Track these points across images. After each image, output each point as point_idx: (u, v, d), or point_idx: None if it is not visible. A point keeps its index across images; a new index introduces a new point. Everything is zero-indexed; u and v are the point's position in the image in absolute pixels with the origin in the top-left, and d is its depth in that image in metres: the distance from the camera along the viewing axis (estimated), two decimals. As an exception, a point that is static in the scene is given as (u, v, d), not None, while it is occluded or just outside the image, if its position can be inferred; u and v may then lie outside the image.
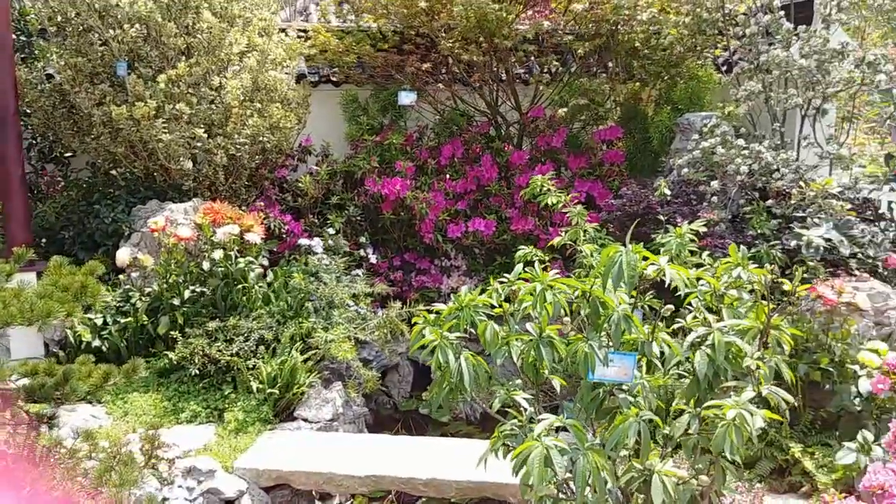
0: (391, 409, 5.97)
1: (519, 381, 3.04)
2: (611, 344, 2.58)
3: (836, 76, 5.61)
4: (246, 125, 6.13)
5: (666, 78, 6.61)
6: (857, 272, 4.97)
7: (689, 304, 2.94)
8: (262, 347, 4.98)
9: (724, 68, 7.03)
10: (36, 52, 6.45)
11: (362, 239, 6.39)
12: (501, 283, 3.04)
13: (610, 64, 6.64)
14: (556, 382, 2.83)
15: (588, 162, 6.76)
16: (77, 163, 6.71)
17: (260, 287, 5.44)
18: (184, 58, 5.97)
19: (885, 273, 4.93)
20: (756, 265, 3.04)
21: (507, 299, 2.99)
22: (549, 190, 4.80)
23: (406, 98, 6.71)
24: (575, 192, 6.09)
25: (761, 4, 5.63)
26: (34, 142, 6.61)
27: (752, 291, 3.06)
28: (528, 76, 7.13)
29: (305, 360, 4.98)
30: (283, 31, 6.87)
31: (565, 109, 6.50)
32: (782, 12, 5.73)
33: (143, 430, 3.58)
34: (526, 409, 2.85)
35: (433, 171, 6.75)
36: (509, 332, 2.85)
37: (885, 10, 5.89)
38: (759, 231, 5.13)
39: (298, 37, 7.01)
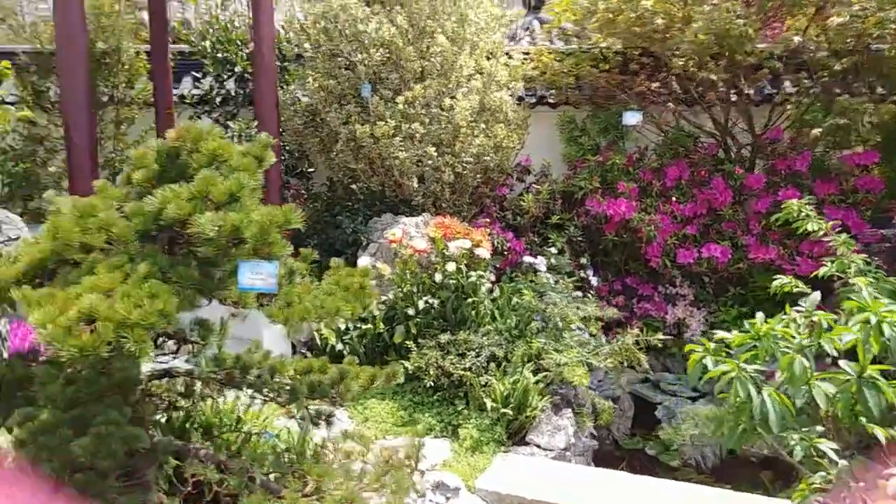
0: (611, 446, 5.72)
1: (820, 428, 2.73)
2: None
3: None
4: (472, 144, 6.26)
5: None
6: None
7: None
8: (493, 364, 4.98)
9: None
10: (287, 76, 7.05)
11: (583, 260, 6.25)
12: (798, 311, 2.77)
13: (870, 81, 6.00)
14: (880, 433, 2.49)
15: (838, 188, 6.14)
16: (317, 178, 7.22)
17: (489, 303, 5.47)
18: (418, 80, 6.23)
19: None
20: None
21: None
22: (807, 216, 4.41)
23: (632, 118, 6.52)
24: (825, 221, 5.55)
25: None
26: (282, 157, 7.20)
27: None
28: (763, 95, 6.67)
29: (536, 382, 4.91)
30: (507, 54, 6.99)
31: (819, 130, 5.94)
32: None
33: (403, 438, 3.66)
34: (836, 462, 2.54)
35: (657, 194, 6.47)
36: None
37: None
38: None
39: (520, 59, 7.09)
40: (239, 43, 7.00)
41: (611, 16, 6.33)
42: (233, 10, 7.08)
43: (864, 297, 3.28)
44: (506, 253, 6.24)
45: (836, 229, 4.35)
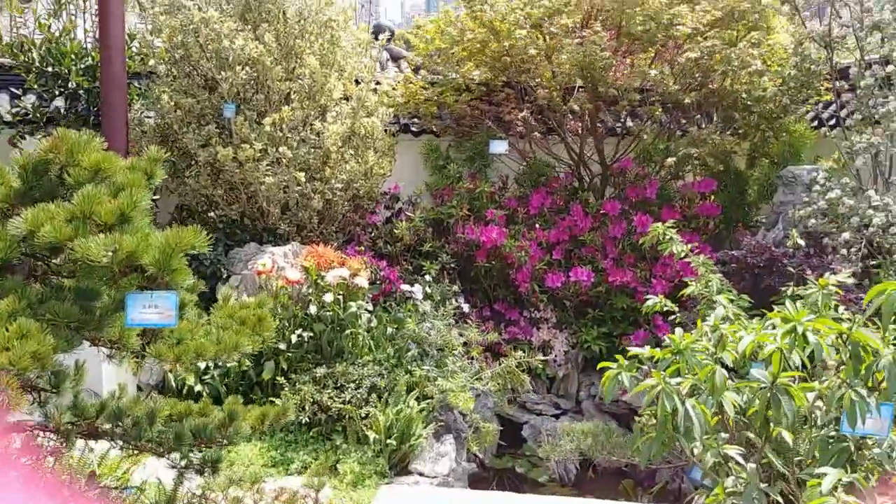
0: (479, 467, 5.72)
1: (725, 434, 2.85)
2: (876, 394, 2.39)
3: None
4: (343, 170, 6.08)
5: (764, 130, 6.56)
6: None
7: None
8: (374, 395, 4.79)
9: (830, 122, 6.96)
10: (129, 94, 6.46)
11: (455, 287, 6.24)
12: (709, 325, 2.89)
13: (711, 113, 6.60)
14: (787, 436, 2.63)
15: (682, 214, 6.65)
16: (164, 205, 6.64)
17: (367, 333, 5.28)
18: (285, 102, 5.97)
19: None
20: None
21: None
22: (671, 238, 4.71)
23: (499, 147, 6.67)
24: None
25: (879, 56, 5.59)
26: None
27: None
28: (612, 127, 7.13)
29: (420, 411, 4.78)
30: (376, 81, 6.91)
31: (672, 159, 6.40)
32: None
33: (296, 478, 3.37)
34: (744, 467, 2.65)
35: (522, 221, 6.65)
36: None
37: None
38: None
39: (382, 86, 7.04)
40: (74, 56, 6.31)
41: (479, 45, 6.46)
42: (67, 18, 6.37)
43: (721, 313, 3.54)
44: (380, 282, 6.08)
45: (696, 252, 4.70)
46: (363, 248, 6.27)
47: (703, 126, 6.52)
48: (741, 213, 6.78)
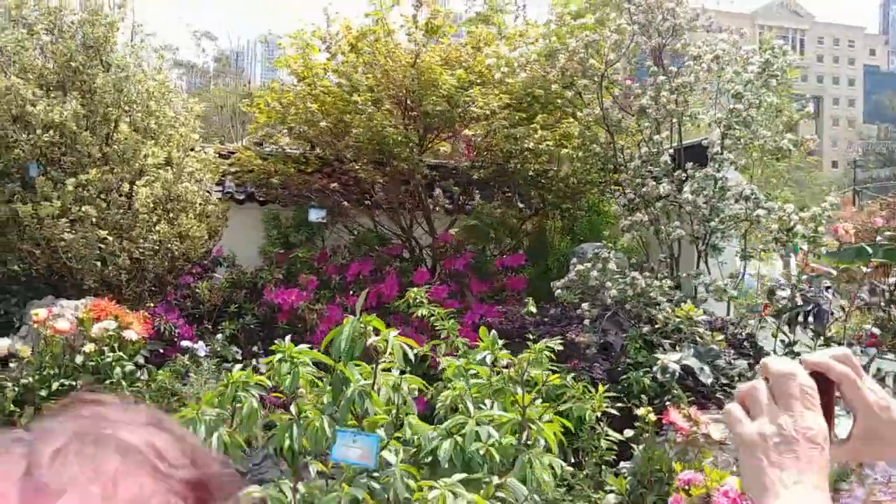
0: None
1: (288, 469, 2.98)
2: (360, 424, 2.56)
3: (728, 212, 5.87)
4: (152, 231, 6.35)
5: (565, 209, 6.91)
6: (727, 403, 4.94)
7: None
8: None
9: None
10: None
11: (255, 348, 6.40)
12: (268, 361, 3.08)
13: (505, 191, 6.96)
14: (313, 467, 2.78)
15: (491, 287, 6.90)
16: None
17: (133, 384, 5.39)
18: (99, 164, 6.29)
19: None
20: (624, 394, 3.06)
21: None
22: (422, 302, 4.94)
23: (315, 215, 6.99)
24: (473, 314, 6.29)
25: (650, 141, 5.99)
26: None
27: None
28: (436, 202, 7.47)
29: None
30: (205, 149, 7.29)
31: (455, 230, 6.72)
32: (668, 148, 6.10)
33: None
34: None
35: (337, 287, 6.88)
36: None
37: (768, 149, 6.22)
38: (634, 358, 5.15)
39: (222, 156, 7.42)
40: None
41: (303, 119, 6.89)
42: None
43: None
44: (175, 338, 6.24)
45: (471, 322, 4.94)
46: (170, 308, 6.45)
47: (495, 201, 6.86)
48: (548, 287, 7.04)
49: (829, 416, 0.77)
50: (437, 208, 6.94)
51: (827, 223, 5.66)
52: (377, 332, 2.59)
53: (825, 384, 0.79)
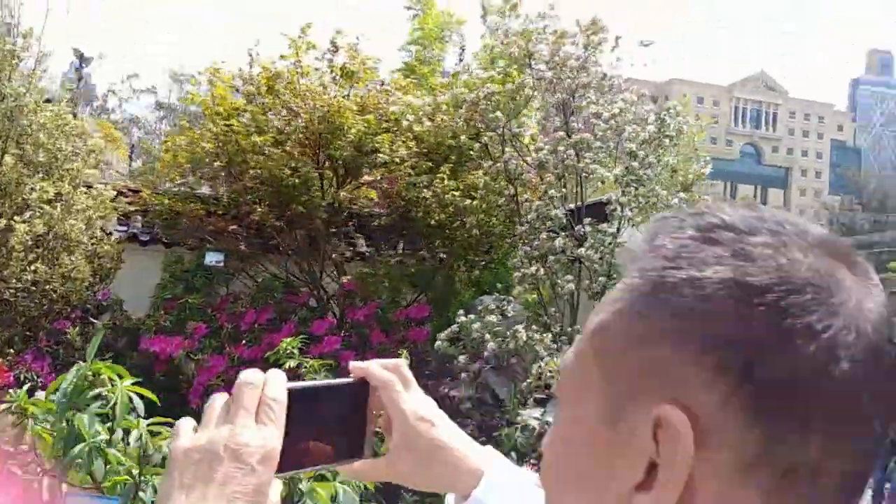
0: None
1: None
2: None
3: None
4: (27, 271, 5.98)
5: (471, 260, 6.69)
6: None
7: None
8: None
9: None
10: None
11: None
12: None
13: (409, 240, 6.73)
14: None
15: (391, 338, 6.58)
16: None
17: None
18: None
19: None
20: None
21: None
22: (291, 354, 4.63)
23: (211, 258, 6.68)
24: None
25: (545, 195, 5.84)
26: None
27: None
28: (334, 249, 7.21)
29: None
30: (105, 187, 6.98)
31: (347, 277, 6.45)
32: (570, 203, 5.94)
33: None
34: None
35: (228, 335, 6.51)
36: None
37: (661, 208, 6.07)
38: (514, 413, 4.88)
39: (122, 194, 7.12)
40: None
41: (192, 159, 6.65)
42: None
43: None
44: (40, 388, 5.79)
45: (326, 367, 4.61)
46: (40, 355, 6.03)
47: (398, 250, 6.63)
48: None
49: (364, 425, 0.73)
50: (334, 255, 6.67)
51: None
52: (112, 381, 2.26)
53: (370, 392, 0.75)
